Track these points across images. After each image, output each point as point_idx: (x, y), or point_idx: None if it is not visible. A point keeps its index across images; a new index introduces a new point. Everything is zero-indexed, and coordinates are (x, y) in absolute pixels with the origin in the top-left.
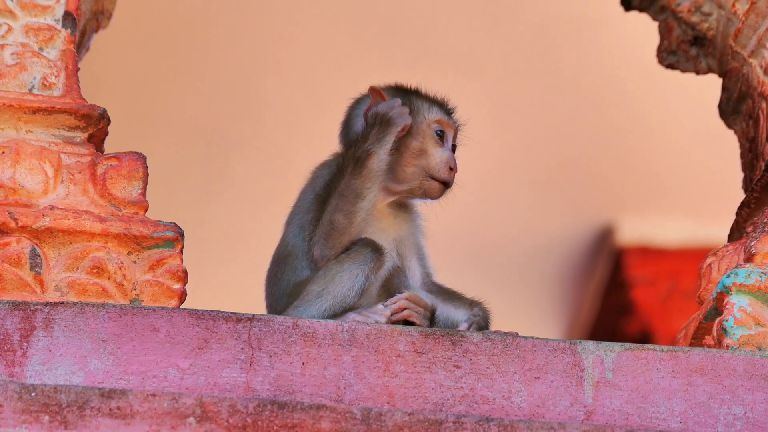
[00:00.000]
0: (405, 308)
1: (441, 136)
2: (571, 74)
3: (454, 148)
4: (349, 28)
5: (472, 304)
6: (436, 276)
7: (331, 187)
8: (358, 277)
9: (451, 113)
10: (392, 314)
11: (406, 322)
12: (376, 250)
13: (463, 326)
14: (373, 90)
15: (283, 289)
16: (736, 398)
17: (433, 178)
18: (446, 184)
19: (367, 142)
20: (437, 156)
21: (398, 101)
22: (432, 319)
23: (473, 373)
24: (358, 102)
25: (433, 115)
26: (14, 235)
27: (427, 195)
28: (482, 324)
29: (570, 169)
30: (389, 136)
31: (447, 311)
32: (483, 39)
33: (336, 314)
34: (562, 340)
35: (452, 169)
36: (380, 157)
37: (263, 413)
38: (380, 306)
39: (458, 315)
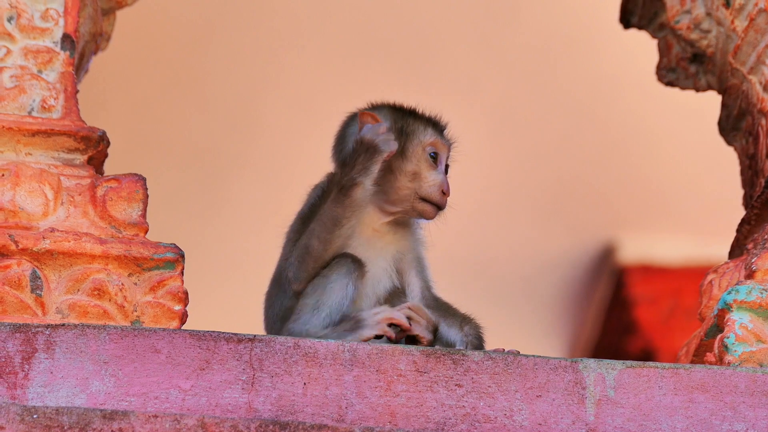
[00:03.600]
0: (408, 317)
1: (435, 158)
2: (570, 92)
3: (447, 167)
4: (347, 49)
5: (463, 321)
6: (435, 288)
7: (314, 210)
8: (348, 287)
9: (444, 131)
10: (390, 324)
11: (409, 339)
12: (356, 260)
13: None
14: (363, 115)
15: (276, 311)
16: (737, 415)
17: (426, 201)
18: (439, 207)
19: (353, 171)
20: (430, 179)
21: (384, 126)
22: (435, 334)
23: (475, 392)
24: (351, 119)
25: (428, 137)
26: (15, 258)
27: (421, 216)
28: (475, 343)
29: (571, 188)
30: (375, 165)
31: (441, 328)
32: (482, 57)
33: (334, 323)
34: (563, 358)
35: (445, 192)
36: (365, 186)
37: None
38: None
39: (451, 334)
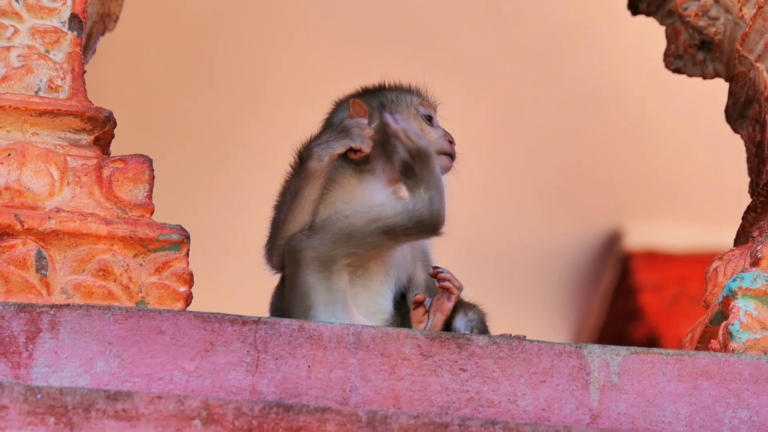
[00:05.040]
0: (448, 279)
1: (429, 118)
2: (577, 79)
3: None
4: (355, 34)
5: (467, 307)
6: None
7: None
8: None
9: (425, 95)
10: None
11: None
12: None
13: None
14: (354, 103)
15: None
16: (741, 402)
17: (439, 153)
18: (452, 156)
19: (316, 142)
20: (434, 134)
21: (370, 129)
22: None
23: (479, 377)
24: (337, 106)
25: (415, 99)
26: (20, 238)
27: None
28: (480, 328)
29: (577, 175)
30: (339, 146)
31: None
32: (489, 44)
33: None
34: (567, 344)
35: (451, 142)
36: (322, 159)
37: (269, 416)
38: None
39: (455, 320)
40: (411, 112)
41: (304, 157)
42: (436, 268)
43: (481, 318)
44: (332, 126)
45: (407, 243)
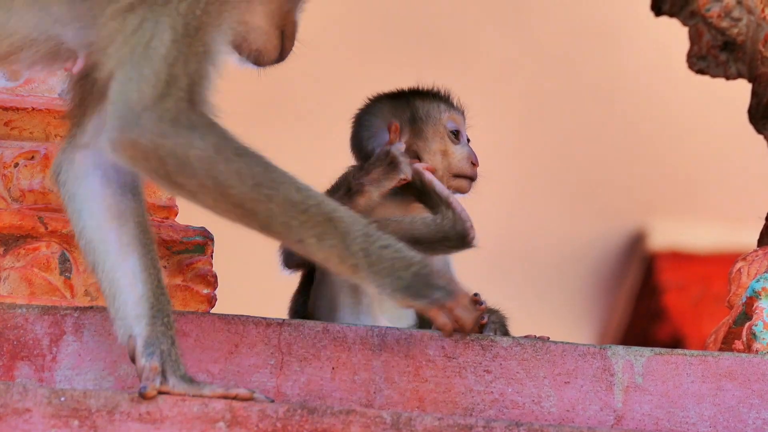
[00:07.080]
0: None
1: (456, 133)
2: (601, 80)
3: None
4: (379, 35)
5: (488, 312)
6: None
7: None
8: None
9: (452, 101)
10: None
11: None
12: None
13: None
14: (391, 125)
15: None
16: (765, 403)
17: (458, 176)
18: (472, 179)
19: (366, 178)
20: (458, 154)
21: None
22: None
23: (503, 378)
24: (364, 113)
25: (443, 114)
26: (44, 240)
27: (457, 191)
28: (502, 331)
29: (601, 175)
30: (389, 183)
31: None
32: (512, 44)
33: None
34: (592, 345)
35: (474, 163)
36: (372, 197)
37: (293, 418)
38: None
39: None
40: (439, 129)
41: (354, 191)
42: (477, 295)
43: (502, 321)
44: (363, 139)
45: (435, 255)
